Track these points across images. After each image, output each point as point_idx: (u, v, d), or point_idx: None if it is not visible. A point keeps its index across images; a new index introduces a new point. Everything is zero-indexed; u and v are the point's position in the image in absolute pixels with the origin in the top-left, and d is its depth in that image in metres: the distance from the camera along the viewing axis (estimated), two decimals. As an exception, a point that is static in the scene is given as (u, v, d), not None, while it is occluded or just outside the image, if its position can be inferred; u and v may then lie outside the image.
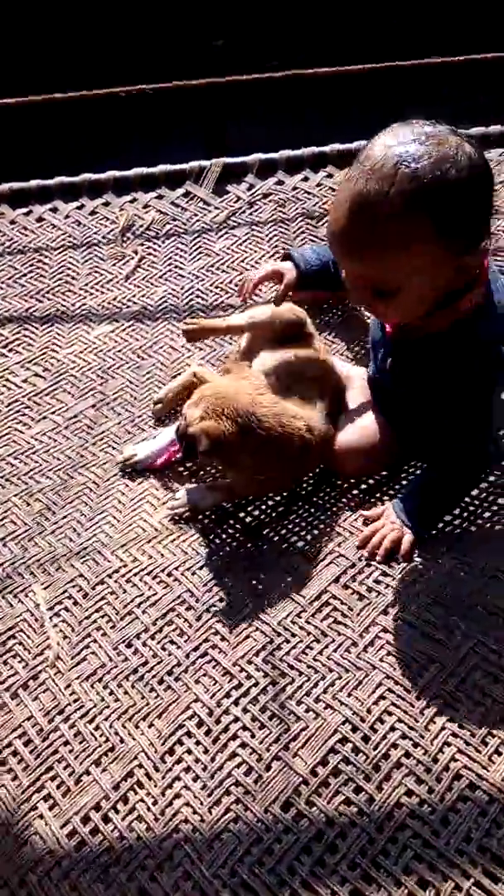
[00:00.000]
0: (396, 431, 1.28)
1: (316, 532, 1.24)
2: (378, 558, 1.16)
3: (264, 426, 1.20)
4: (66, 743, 1.04)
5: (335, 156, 1.98)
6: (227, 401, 1.20)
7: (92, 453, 1.46)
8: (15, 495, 1.39)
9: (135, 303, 1.75)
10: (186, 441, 1.22)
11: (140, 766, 1.00)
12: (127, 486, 1.38)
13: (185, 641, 1.13)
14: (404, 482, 1.28)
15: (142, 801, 0.97)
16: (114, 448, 1.46)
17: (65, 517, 1.35)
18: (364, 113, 2.96)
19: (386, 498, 1.27)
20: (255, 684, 1.06)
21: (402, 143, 0.94)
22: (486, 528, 1.20)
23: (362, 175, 0.95)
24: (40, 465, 1.45)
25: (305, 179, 1.96)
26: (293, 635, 1.11)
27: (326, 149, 1.99)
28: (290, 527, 1.26)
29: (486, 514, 1.21)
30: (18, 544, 1.31)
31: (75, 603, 1.21)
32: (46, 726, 1.06)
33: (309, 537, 1.24)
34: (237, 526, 1.28)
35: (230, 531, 1.28)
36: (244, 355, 1.47)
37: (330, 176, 1.95)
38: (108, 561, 1.26)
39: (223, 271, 1.77)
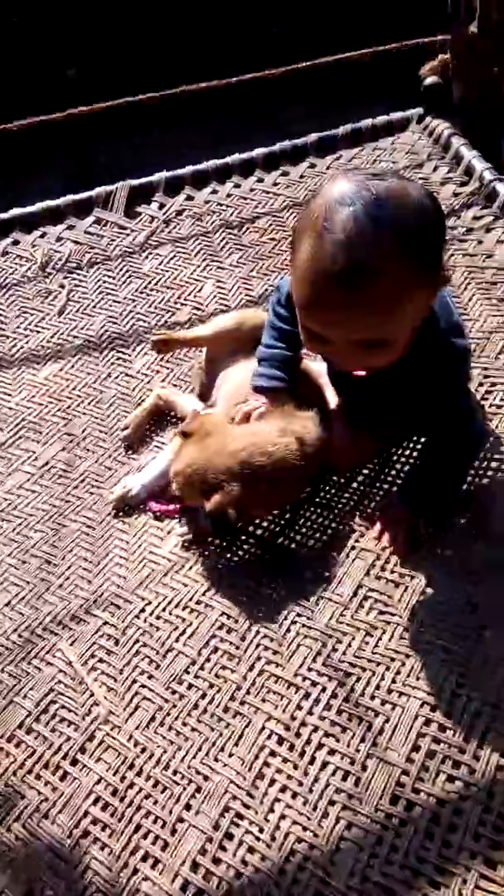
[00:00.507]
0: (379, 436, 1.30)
1: (330, 531, 1.25)
2: (401, 555, 1.18)
3: (256, 465, 1.15)
4: (148, 796, 0.99)
5: (239, 166, 2.00)
6: (208, 467, 1.15)
7: (77, 497, 1.39)
8: (8, 555, 1.31)
9: (76, 336, 1.69)
10: (214, 522, 1.18)
11: (234, 797, 0.97)
12: (124, 522, 1.34)
13: (237, 664, 1.11)
14: (398, 467, 1.32)
15: (247, 832, 0.94)
16: (98, 487, 1.40)
17: (69, 567, 1.28)
18: (244, 126, 3.03)
19: (386, 486, 1.30)
20: (323, 690, 1.05)
21: (360, 201, 0.90)
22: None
23: (335, 245, 0.89)
24: (25, 519, 1.37)
25: (214, 192, 1.97)
26: (343, 634, 1.11)
27: (229, 160, 2.02)
28: (303, 531, 1.26)
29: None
30: (28, 605, 1.23)
31: (109, 652, 1.15)
32: (120, 785, 1.01)
33: (325, 538, 1.25)
34: (251, 540, 1.27)
35: (245, 546, 1.26)
36: (209, 365, 1.46)
37: (237, 186, 1.97)
38: (130, 602, 1.21)
39: (158, 291, 1.75)
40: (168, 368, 1.58)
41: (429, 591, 1.14)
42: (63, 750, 1.05)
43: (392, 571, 1.17)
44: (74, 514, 1.37)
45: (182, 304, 1.71)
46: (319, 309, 0.96)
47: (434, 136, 1.96)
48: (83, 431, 1.50)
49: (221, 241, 1.84)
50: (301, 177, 1.96)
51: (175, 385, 1.55)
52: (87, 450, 1.47)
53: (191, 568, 1.24)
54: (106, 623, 1.19)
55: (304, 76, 2.28)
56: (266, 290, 1.70)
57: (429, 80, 2.02)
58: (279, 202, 1.90)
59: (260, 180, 1.98)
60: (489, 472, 1.25)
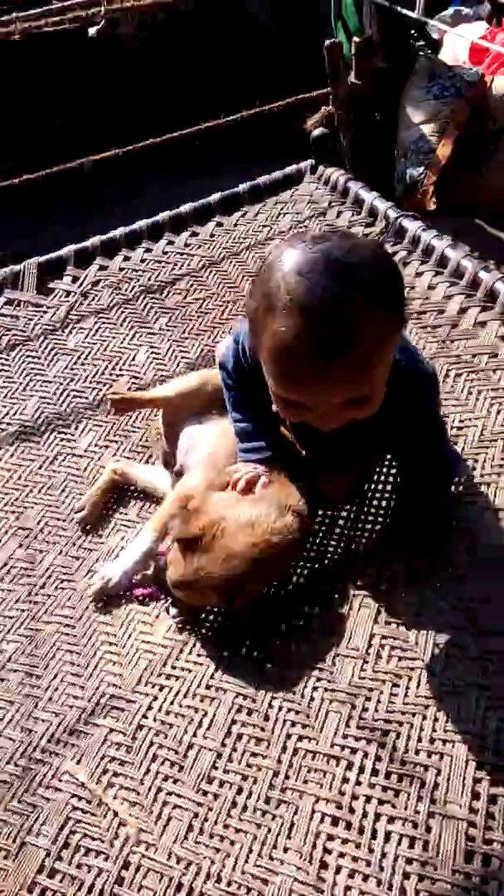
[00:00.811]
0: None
1: (326, 587, 1.21)
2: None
3: (268, 557, 1.10)
4: (206, 918, 0.89)
5: (147, 231, 1.98)
6: (221, 572, 1.09)
7: (47, 595, 1.28)
8: (-16, 675, 1.17)
9: (10, 423, 1.58)
10: (241, 614, 1.14)
11: (301, 897, 0.88)
12: (106, 614, 1.23)
13: (267, 747, 1.03)
14: (376, 503, 1.30)
15: (326, 934, 0.85)
16: (69, 581, 1.29)
17: (55, 676, 1.16)
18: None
19: (369, 525, 1.27)
20: (365, 755, 0.99)
21: (317, 268, 0.87)
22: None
23: (305, 318, 0.87)
24: (-7, 631, 1.23)
25: (127, 259, 1.93)
26: (370, 689, 1.06)
27: (136, 226, 1.99)
28: (299, 586, 1.21)
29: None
30: (18, 727, 1.10)
31: (122, 762, 1.04)
32: (170, 912, 0.89)
33: (323, 588, 1.20)
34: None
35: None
36: (168, 429, 1.40)
37: (149, 250, 1.94)
38: (133, 702, 1.11)
39: (90, 364, 1.68)
40: (117, 442, 1.51)
41: (441, 624, 1.11)
42: (97, 887, 0.93)
43: (399, 613, 1.14)
44: (48, 614, 1.25)
45: (118, 375, 1.65)
46: (300, 383, 0.93)
47: (330, 183, 2.02)
48: (38, 523, 1.39)
49: (145, 306, 1.80)
50: (211, 235, 1.97)
51: (127, 457, 1.47)
52: (48, 542, 1.36)
53: (191, 651, 1.16)
54: (111, 730, 1.08)
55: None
56: (202, 350, 1.67)
57: (316, 132, 2.09)
58: (196, 262, 1.89)
59: (170, 243, 1.97)
60: (473, 496, 1.25)
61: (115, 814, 0.99)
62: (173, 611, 1.20)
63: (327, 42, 1.98)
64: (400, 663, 1.08)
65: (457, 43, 2.22)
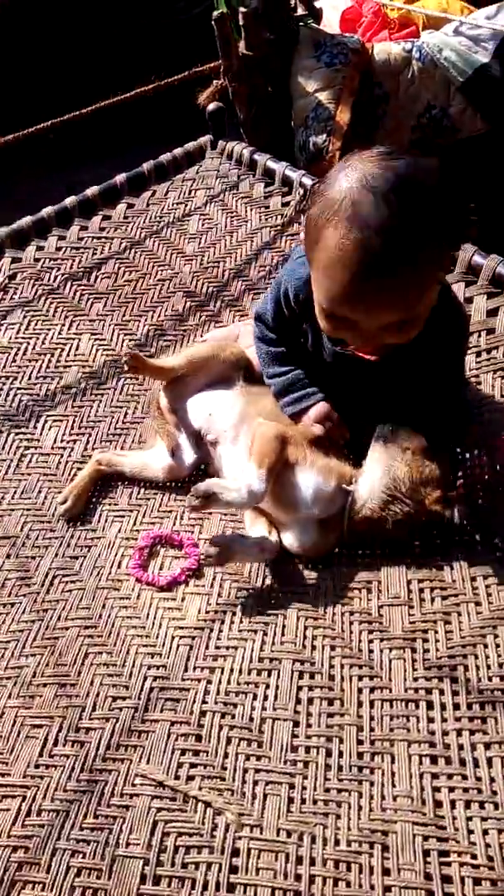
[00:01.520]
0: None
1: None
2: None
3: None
4: (337, 881, 0.85)
5: (55, 217, 1.87)
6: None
7: (54, 601, 1.17)
8: (14, 697, 1.05)
9: (-42, 431, 1.43)
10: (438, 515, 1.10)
11: (423, 826, 0.88)
12: (127, 609, 1.15)
13: (342, 706, 1.01)
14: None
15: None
16: (74, 582, 1.19)
17: (92, 682, 1.07)
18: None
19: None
20: (441, 692, 1.00)
21: (385, 185, 0.89)
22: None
23: (368, 232, 0.88)
24: (7, 650, 1.11)
25: (40, 248, 1.81)
26: (425, 632, 1.06)
27: (44, 214, 1.87)
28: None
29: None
30: (67, 743, 1.00)
31: (196, 752, 0.98)
32: (300, 886, 0.85)
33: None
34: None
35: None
36: (174, 401, 1.33)
37: (62, 238, 1.83)
38: (186, 689, 1.05)
39: (31, 360, 1.56)
40: (85, 433, 1.41)
41: (473, 559, 1.13)
42: (211, 882, 0.87)
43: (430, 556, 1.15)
44: (63, 620, 1.15)
45: (66, 367, 1.54)
46: (353, 297, 0.94)
47: (234, 157, 2.00)
48: (22, 529, 1.28)
49: (74, 294, 1.69)
50: (125, 217, 1.89)
51: (100, 447, 1.38)
52: (38, 547, 1.25)
53: (231, 627, 1.11)
54: (173, 723, 1.01)
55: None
56: (147, 330, 1.60)
57: (211, 107, 2.06)
58: (116, 244, 1.81)
59: (84, 228, 1.86)
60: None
61: (208, 805, 0.92)
62: (205, 589, 1.14)
63: (215, 14, 1.95)
64: (445, 602, 1.10)
65: (330, 14, 2.28)
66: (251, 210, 1.84)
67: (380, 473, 1.11)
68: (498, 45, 2.08)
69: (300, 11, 2.14)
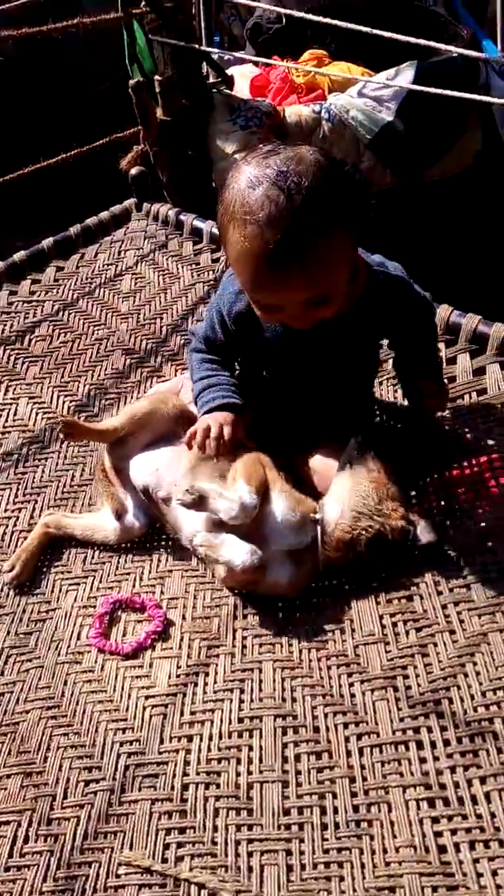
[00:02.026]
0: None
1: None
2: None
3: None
4: None
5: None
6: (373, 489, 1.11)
7: (10, 682, 1.09)
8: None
9: None
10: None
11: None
12: (92, 681, 1.08)
13: (331, 758, 0.96)
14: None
15: None
16: (31, 661, 1.11)
17: (60, 767, 0.99)
18: None
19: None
20: (429, 729, 0.96)
21: (266, 180, 0.96)
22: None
23: (261, 226, 0.95)
24: (-39, 740, 1.02)
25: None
26: (404, 668, 1.04)
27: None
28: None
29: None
30: (39, 838, 0.91)
31: (182, 830, 0.91)
32: None
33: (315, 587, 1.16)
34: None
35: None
36: (118, 463, 1.29)
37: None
38: (165, 763, 0.98)
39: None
40: (29, 501, 1.35)
41: (441, 586, 1.12)
42: None
43: (398, 587, 1.13)
44: (22, 703, 1.07)
45: (4, 433, 1.49)
46: (266, 284, 1.01)
47: (161, 218, 2.03)
48: (-30, 605, 1.19)
49: (9, 358, 1.65)
50: (55, 280, 1.87)
51: (48, 513, 1.32)
52: (-10, 622, 1.17)
53: (204, 689, 1.05)
54: (154, 801, 0.94)
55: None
56: (88, 390, 1.57)
57: (134, 171, 2.10)
58: (49, 307, 1.78)
59: (13, 293, 1.83)
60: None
61: (202, 886, 0.85)
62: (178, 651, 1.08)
63: (132, 81, 2.00)
64: (419, 634, 1.07)
65: (240, 81, 2.38)
66: (182, 267, 1.85)
67: (347, 492, 1.12)
68: (399, 104, 2.21)
69: (212, 79, 2.21)
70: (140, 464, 1.24)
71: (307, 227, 0.96)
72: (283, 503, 1.11)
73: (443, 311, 1.45)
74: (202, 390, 1.21)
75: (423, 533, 1.12)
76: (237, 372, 1.29)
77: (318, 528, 1.11)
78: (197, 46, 2.01)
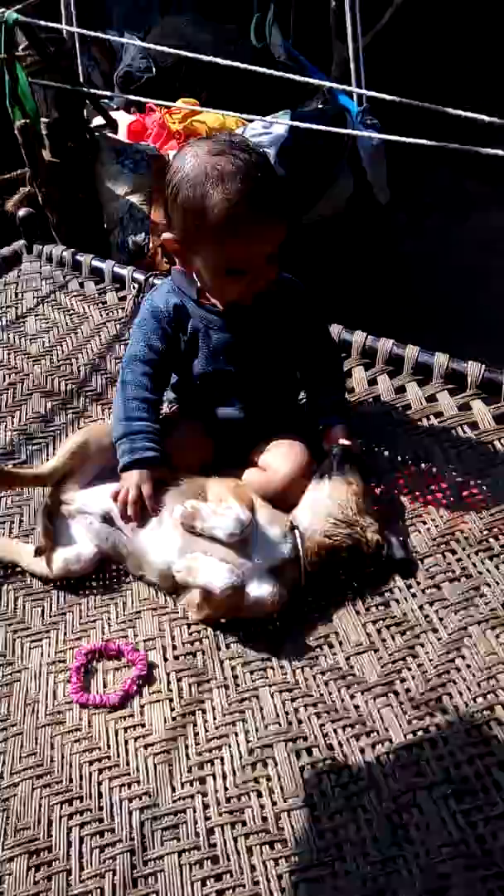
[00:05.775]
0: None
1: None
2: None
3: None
4: None
5: None
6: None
7: (-9, 756, 0.98)
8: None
9: None
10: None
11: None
12: (82, 739, 1.00)
13: (353, 773, 0.95)
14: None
15: None
16: (10, 730, 1.01)
17: (69, 832, 0.90)
18: None
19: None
20: (438, 727, 0.98)
21: (226, 150, 1.09)
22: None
23: (239, 182, 1.07)
24: None
25: None
26: (399, 672, 1.05)
27: None
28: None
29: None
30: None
31: (218, 877, 0.85)
32: None
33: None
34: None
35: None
36: (71, 499, 1.22)
37: None
38: (182, 811, 0.92)
39: None
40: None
41: (416, 588, 1.16)
42: None
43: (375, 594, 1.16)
44: (8, 776, 0.96)
45: None
46: (245, 234, 1.10)
47: (56, 259, 1.98)
48: None
49: None
50: (-50, 326, 1.76)
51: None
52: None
53: (205, 727, 1.01)
54: (181, 853, 0.87)
55: None
56: (10, 437, 1.49)
57: (22, 213, 2.04)
58: None
59: None
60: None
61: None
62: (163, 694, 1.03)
63: (17, 123, 1.95)
64: (405, 637, 1.10)
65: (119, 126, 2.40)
66: (90, 307, 1.81)
67: (326, 500, 1.15)
68: (278, 150, 2.32)
69: (95, 122, 2.21)
70: (96, 493, 1.19)
71: (273, 177, 1.12)
72: (262, 517, 1.11)
73: (334, 329, 1.52)
74: (120, 437, 1.21)
75: (396, 550, 1.16)
76: (172, 382, 1.33)
77: (297, 535, 1.12)
78: (84, 89, 2.01)
